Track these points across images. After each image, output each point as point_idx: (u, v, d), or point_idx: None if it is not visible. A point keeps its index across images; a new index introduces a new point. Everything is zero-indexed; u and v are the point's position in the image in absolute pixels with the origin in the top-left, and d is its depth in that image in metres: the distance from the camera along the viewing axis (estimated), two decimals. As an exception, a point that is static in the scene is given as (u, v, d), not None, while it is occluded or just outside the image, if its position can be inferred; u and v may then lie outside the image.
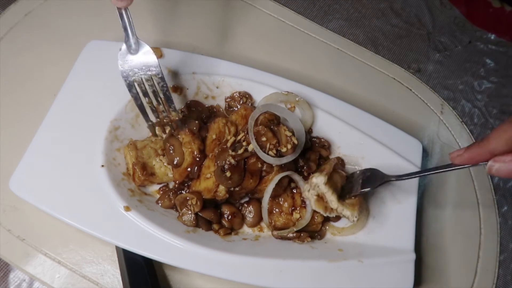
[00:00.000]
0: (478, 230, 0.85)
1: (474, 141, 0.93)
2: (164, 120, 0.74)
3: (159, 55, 0.80)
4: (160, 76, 0.69)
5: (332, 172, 0.72)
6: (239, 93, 0.81)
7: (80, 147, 0.71)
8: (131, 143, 0.74)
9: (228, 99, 0.82)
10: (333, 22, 1.04)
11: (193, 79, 0.81)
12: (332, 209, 0.71)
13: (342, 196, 0.72)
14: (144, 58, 0.68)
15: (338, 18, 1.05)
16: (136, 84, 0.69)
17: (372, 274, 0.69)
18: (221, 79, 0.81)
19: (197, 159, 0.73)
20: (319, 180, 0.70)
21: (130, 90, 0.69)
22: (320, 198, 0.71)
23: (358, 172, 0.75)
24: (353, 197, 0.72)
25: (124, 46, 0.67)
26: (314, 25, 1.01)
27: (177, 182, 0.74)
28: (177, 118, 0.73)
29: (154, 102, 0.71)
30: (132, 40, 0.67)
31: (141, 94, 0.70)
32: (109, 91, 0.76)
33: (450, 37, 1.06)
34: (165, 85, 0.70)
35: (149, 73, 0.68)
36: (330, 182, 0.71)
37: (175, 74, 0.80)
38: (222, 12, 0.99)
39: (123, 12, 0.65)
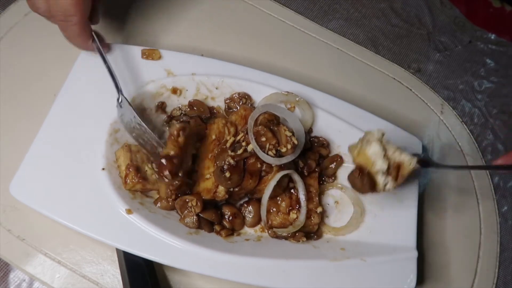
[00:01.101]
0: (478, 230, 0.85)
1: (474, 141, 0.93)
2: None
3: (158, 56, 0.80)
4: (139, 123, 0.73)
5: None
6: (239, 94, 0.81)
7: (81, 151, 0.71)
8: (126, 145, 0.74)
9: (228, 101, 0.82)
10: (333, 22, 1.04)
11: (193, 80, 0.80)
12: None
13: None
14: (127, 110, 0.73)
15: (338, 18, 1.04)
16: (134, 130, 0.74)
17: (375, 272, 0.70)
18: (221, 80, 0.81)
19: (183, 144, 0.71)
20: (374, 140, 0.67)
21: (131, 134, 0.75)
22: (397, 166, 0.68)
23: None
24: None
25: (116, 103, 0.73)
26: (314, 25, 1.01)
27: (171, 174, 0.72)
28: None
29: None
30: (120, 96, 0.73)
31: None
32: (109, 93, 0.75)
33: (450, 37, 1.06)
34: (147, 131, 0.73)
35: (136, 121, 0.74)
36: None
37: (174, 75, 0.79)
38: (222, 12, 0.99)
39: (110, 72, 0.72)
